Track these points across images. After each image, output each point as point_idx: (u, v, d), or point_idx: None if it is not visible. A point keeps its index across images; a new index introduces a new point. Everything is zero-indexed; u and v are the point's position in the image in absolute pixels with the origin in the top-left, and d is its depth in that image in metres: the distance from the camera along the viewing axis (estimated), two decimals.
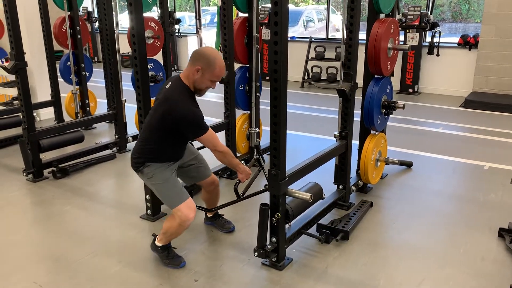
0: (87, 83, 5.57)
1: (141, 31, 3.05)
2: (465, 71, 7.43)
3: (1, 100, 6.25)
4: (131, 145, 4.96)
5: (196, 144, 2.98)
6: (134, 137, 5.01)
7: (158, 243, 2.75)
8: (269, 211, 2.61)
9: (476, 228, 3.20)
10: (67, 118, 5.66)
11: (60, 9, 5.16)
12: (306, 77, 8.70)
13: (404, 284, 2.58)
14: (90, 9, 10.72)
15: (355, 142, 3.60)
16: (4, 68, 3.96)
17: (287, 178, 2.61)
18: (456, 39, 7.69)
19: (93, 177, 4.21)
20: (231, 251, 2.94)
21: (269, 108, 2.48)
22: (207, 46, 2.83)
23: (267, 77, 8.78)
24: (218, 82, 2.67)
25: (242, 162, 2.90)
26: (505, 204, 3.55)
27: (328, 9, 9.05)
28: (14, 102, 6.05)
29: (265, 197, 2.74)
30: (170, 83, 2.58)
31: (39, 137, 4.10)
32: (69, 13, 5.16)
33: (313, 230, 3.07)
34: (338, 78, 8.31)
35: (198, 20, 10.33)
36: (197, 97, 2.65)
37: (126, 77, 4.94)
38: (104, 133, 5.58)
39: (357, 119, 3.46)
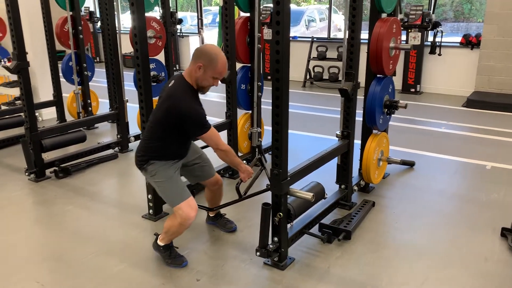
0: (89, 83, 5.59)
1: (143, 31, 3.05)
2: (467, 70, 7.41)
3: (4, 100, 6.27)
4: (133, 145, 4.97)
5: (200, 143, 2.98)
6: (136, 137, 5.01)
7: (160, 243, 2.75)
8: (271, 211, 2.60)
9: (478, 228, 3.19)
10: (69, 118, 5.67)
11: (62, 9, 5.17)
12: (308, 76, 8.69)
13: (407, 285, 2.58)
14: (92, 9, 10.73)
15: (357, 142, 3.60)
16: (7, 68, 3.97)
17: (289, 178, 2.61)
18: (458, 39, 7.68)
19: (95, 177, 4.22)
20: (233, 250, 2.94)
21: (270, 107, 2.48)
22: (209, 43, 2.82)
23: (269, 77, 8.78)
24: (220, 82, 2.68)
25: (244, 161, 2.91)
26: (508, 204, 3.54)
27: (330, 9, 9.05)
28: (17, 102, 6.07)
29: (267, 197, 2.74)
30: (173, 81, 2.59)
31: (41, 137, 4.11)
32: (71, 13, 5.17)
33: (315, 229, 3.06)
34: (340, 78, 8.31)
35: (200, 20, 10.33)
36: (199, 96, 2.65)
37: (128, 77, 4.94)
38: (106, 133, 5.58)
39: (359, 118, 3.46)
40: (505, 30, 6.84)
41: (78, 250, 2.95)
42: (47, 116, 6.05)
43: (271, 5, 8.63)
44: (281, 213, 2.59)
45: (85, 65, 5.43)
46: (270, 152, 4.52)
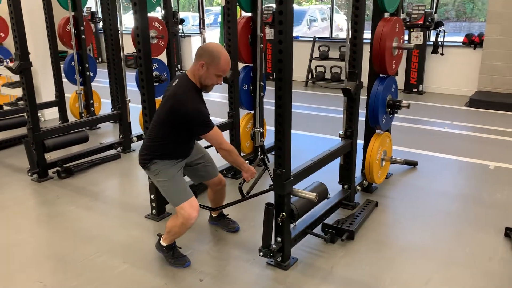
0: (91, 83, 5.59)
1: (146, 30, 3.05)
2: (470, 70, 7.39)
3: (6, 101, 6.28)
4: (135, 145, 4.97)
5: (203, 143, 2.97)
6: (139, 137, 5.02)
7: (163, 243, 2.75)
8: (274, 211, 2.60)
9: (482, 227, 3.18)
10: (71, 118, 5.67)
11: (64, 9, 5.17)
12: (310, 76, 8.68)
13: (410, 285, 2.57)
14: (93, 9, 10.74)
15: (360, 142, 3.59)
16: (9, 69, 3.98)
17: (292, 178, 2.60)
18: (460, 38, 7.66)
19: (97, 177, 4.22)
20: (236, 250, 2.93)
21: (273, 107, 2.47)
22: (211, 42, 2.82)
23: (271, 77, 8.78)
24: (222, 82, 2.67)
25: (246, 161, 2.90)
26: (511, 204, 3.53)
27: (331, 9, 9.04)
28: (19, 102, 6.08)
29: (270, 197, 2.73)
30: (177, 80, 2.59)
31: (43, 137, 4.12)
32: (73, 13, 5.17)
33: (318, 229, 3.05)
34: (342, 78, 8.29)
35: (201, 20, 10.33)
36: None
37: (129, 77, 4.94)
38: (108, 133, 5.59)
39: (361, 118, 3.45)
40: (508, 30, 6.82)
41: (81, 250, 2.95)
42: (49, 116, 6.06)
43: (273, 5, 8.63)
44: (284, 213, 2.58)
45: (87, 65, 5.43)
46: (273, 152, 4.51)
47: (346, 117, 3.37)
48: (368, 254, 2.87)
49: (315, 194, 2.61)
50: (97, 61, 11.21)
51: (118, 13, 4.73)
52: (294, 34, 9.05)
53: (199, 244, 3.01)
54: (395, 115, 3.72)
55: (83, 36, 5.33)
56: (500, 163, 4.38)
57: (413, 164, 4.29)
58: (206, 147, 3.04)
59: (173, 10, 5.81)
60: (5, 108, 6.11)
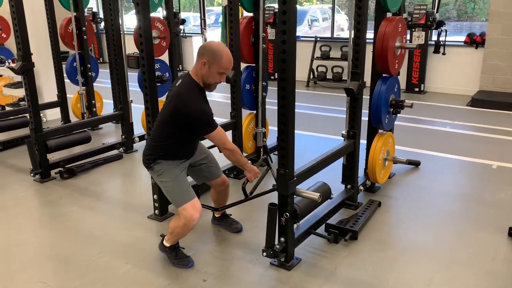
0: (93, 84, 5.59)
1: (148, 31, 3.04)
2: (472, 69, 7.38)
3: (8, 101, 6.28)
4: (137, 145, 4.97)
5: (206, 143, 2.97)
6: (141, 137, 5.02)
7: (166, 243, 2.75)
8: (278, 211, 2.59)
9: (485, 227, 3.17)
10: (73, 118, 5.67)
11: (66, 10, 5.17)
12: (311, 76, 8.68)
13: (413, 284, 2.57)
14: (95, 10, 10.74)
15: (363, 142, 3.58)
16: (12, 69, 3.97)
17: (295, 178, 2.60)
18: (461, 38, 7.65)
19: (100, 177, 4.22)
20: (239, 251, 2.93)
21: (275, 107, 2.46)
22: (212, 40, 2.80)
23: (272, 77, 8.78)
24: (225, 82, 2.66)
25: (249, 162, 2.90)
26: None
27: (333, 8, 9.03)
28: (21, 103, 6.08)
29: (272, 197, 2.73)
30: (180, 80, 2.58)
31: (46, 138, 4.12)
32: (75, 13, 5.17)
33: (321, 230, 3.05)
34: (343, 78, 8.29)
35: (202, 21, 10.33)
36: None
37: (131, 78, 4.94)
38: (110, 134, 5.59)
39: (364, 118, 3.45)
40: (509, 29, 6.81)
41: (84, 250, 2.95)
42: (51, 117, 6.07)
43: (274, 5, 8.63)
44: (287, 213, 2.58)
45: (89, 65, 5.43)
46: (275, 152, 4.51)
47: (349, 117, 3.37)
48: (371, 254, 2.86)
49: (318, 194, 2.61)
50: (98, 61, 11.22)
51: (119, 14, 4.74)
52: (296, 34, 9.07)
53: (202, 244, 3.00)
54: (397, 115, 3.72)
55: (85, 37, 5.33)
56: (503, 162, 4.37)
57: (415, 164, 4.28)
58: (209, 147, 3.04)
59: (174, 11, 5.80)
60: (7, 108, 6.11)
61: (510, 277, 2.61)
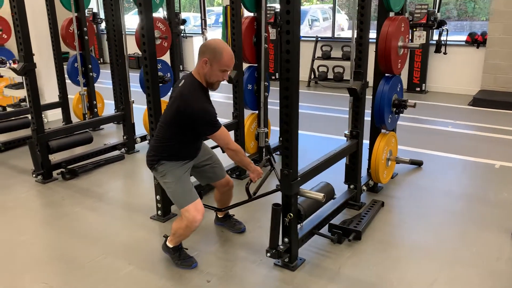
0: (94, 84, 5.58)
1: (151, 31, 3.04)
2: (473, 69, 7.37)
3: (9, 102, 6.28)
4: (139, 146, 4.97)
5: (210, 143, 2.96)
6: (142, 138, 5.01)
7: (169, 244, 2.74)
8: (282, 211, 2.58)
9: (488, 227, 3.16)
10: (74, 119, 5.67)
11: (67, 10, 5.17)
12: (312, 76, 8.67)
13: (417, 285, 2.56)
14: (95, 10, 10.73)
15: (365, 142, 3.57)
16: (13, 70, 3.96)
17: (299, 178, 2.59)
18: (461, 37, 7.64)
19: (102, 178, 4.21)
20: (243, 251, 2.92)
21: (277, 108, 2.45)
22: (213, 38, 2.78)
23: (273, 77, 8.77)
24: (227, 82, 2.65)
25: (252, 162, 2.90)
26: None
27: (334, 8, 9.02)
28: (22, 103, 6.08)
29: (275, 198, 2.72)
30: (183, 80, 2.57)
31: (48, 139, 4.11)
32: (76, 14, 5.17)
33: (324, 230, 3.04)
34: (344, 77, 8.29)
35: (203, 21, 10.32)
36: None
37: (132, 78, 4.93)
38: (111, 134, 5.58)
39: (366, 118, 3.44)
40: (511, 28, 6.80)
41: (86, 251, 2.94)
42: (52, 117, 6.05)
43: (275, 5, 8.60)
44: (291, 214, 2.57)
45: (90, 66, 5.43)
46: (277, 152, 4.51)
47: (352, 117, 3.36)
48: (374, 255, 2.86)
49: (322, 194, 2.60)
50: (99, 62, 11.19)
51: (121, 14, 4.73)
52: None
53: (205, 245, 3.00)
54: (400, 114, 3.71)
55: (86, 37, 5.32)
56: (505, 162, 4.36)
57: (418, 163, 4.27)
58: (213, 147, 3.03)
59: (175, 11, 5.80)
60: (8, 109, 6.11)
61: None
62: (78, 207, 3.60)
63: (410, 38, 7.13)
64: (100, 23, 10.16)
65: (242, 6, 3.93)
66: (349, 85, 3.25)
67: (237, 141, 4.05)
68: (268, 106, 4.28)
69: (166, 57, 4.87)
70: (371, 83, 3.51)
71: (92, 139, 4.64)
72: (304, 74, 8.62)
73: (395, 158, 3.86)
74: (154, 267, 2.76)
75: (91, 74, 5.45)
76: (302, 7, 13.06)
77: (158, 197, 3.28)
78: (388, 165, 3.73)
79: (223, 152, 2.74)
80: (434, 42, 7.42)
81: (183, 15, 10.89)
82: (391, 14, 3.52)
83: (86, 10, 5.37)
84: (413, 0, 8.67)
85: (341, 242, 2.95)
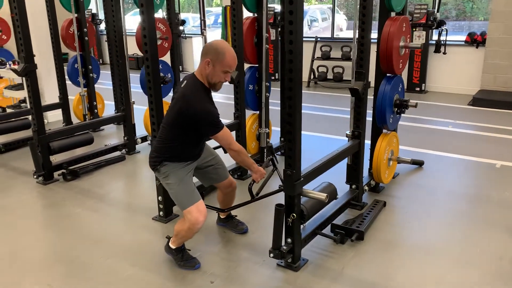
0: (95, 85, 5.57)
1: (153, 31, 3.03)
2: (473, 69, 7.39)
3: (9, 103, 6.26)
4: (140, 146, 4.96)
5: (212, 143, 2.95)
6: (143, 139, 5.00)
7: (172, 245, 2.73)
8: (284, 212, 2.58)
9: (491, 227, 3.16)
10: (74, 120, 5.66)
11: (67, 11, 5.16)
12: (312, 76, 8.68)
13: (420, 285, 2.56)
14: (94, 11, 10.71)
15: (367, 142, 3.57)
16: (14, 71, 3.95)
17: (302, 179, 2.59)
18: (460, 37, 7.65)
19: (103, 179, 4.20)
20: (246, 252, 2.92)
21: (278, 108, 2.45)
22: (215, 39, 2.78)
23: (273, 77, 8.76)
24: (228, 83, 2.64)
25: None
26: None
27: (333, 9, 9.03)
28: (22, 104, 6.06)
29: (278, 198, 2.72)
30: (185, 81, 2.57)
31: (49, 140, 4.10)
32: (76, 15, 5.16)
33: (327, 230, 3.04)
34: (344, 78, 8.29)
35: (202, 21, 10.31)
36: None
37: (132, 79, 4.92)
38: (112, 135, 5.57)
39: (368, 118, 3.44)
40: (510, 28, 6.81)
41: (89, 253, 2.94)
42: (52, 118, 6.04)
43: (275, 5, 8.58)
44: (294, 214, 2.57)
45: (90, 67, 5.42)
46: (279, 153, 4.50)
47: (353, 117, 3.36)
48: (377, 255, 2.85)
49: (325, 194, 2.59)
50: (99, 62, 11.18)
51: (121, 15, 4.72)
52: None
53: (208, 246, 2.99)
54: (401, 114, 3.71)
55: (86, 38, 5.31)
56: (506, 161, 4.37)
57: (419, 163, 4.28)
58: (215, 148, 3.03)
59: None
60: (8, 110, 6.09)
61: None
62: (80, 208, 3.59)
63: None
64: (99, 24, 10.17)
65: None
66: (350, 85, 3.25)
67: (239, 141, 4.04)
68: (269, 107, 4.27)
69: (167, 58, 4.86)
70: (372, 83, 3.51)
71: (93, 140, 4.63)
72: (303, 74, 8.60)
73: (397, 158, 3.87)
74: (157, 268, 2.75)
75: (91, 75, 5.45)
76: None
77: (160, 198, 3.28)
78: (390, 165, 3.73)
79: (225, 152, 2.74)
80: (434, 42, 7.43)
81: (182, 16, 10.89)
82: (393, 14, 3.52)
83: (86, 11, 5.36)
84: (413, 0, 8.68)
85: (343, 242, 2.94)
